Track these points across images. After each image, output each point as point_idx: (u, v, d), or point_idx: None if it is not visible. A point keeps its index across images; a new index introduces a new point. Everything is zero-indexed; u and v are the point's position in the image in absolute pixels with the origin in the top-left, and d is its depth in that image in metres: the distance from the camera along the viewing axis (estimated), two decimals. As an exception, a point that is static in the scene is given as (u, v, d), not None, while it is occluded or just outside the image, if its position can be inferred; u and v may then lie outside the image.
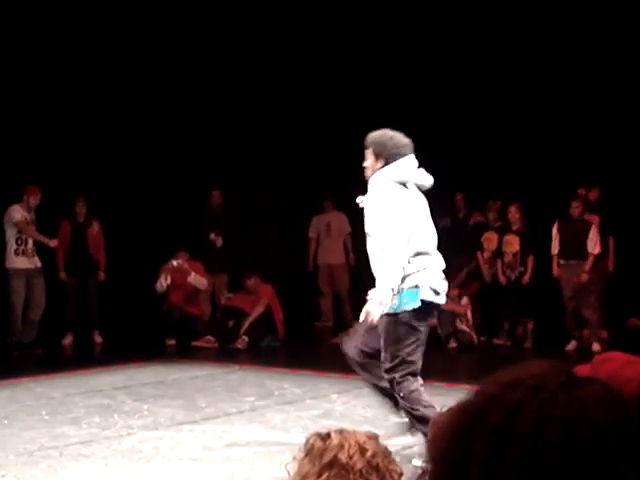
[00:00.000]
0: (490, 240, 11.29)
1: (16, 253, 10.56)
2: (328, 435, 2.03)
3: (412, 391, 5.32)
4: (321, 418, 6.81)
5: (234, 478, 5.33)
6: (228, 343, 10.93)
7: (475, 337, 10.83)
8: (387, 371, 5.39)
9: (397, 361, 5.33)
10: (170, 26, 12.07)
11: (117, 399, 7.62)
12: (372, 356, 5.55)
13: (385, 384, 5.50)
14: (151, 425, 6.65)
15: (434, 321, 11.22)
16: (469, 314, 10.90)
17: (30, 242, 10.63)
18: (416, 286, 5.33)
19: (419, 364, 5.39)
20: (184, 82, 12.40)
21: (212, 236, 12.08)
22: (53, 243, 10.88)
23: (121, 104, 12.06)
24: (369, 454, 2.01)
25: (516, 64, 11.84)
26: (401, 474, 2.06)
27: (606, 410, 1.02)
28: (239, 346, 10.89)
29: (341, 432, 2.05)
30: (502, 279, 11.00)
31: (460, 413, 1.05)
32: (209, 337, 11.14)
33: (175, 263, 11.32)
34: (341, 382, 8.01)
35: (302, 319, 12.26)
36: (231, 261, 11.94)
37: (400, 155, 5.46)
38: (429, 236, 5.53)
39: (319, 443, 2.03)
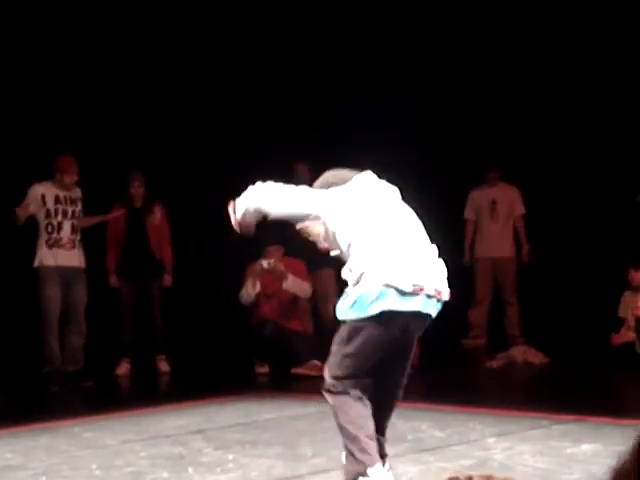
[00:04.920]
0: None
1: (48, 245, 10.76)
2: (470, 478, 2.10)
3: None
4: (474, 471, 6.76)
5: None
6: (341, 370, 10.97)
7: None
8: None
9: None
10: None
11: (192, 447, 7.72)
12: None
13: None
14: (239, 482, 6.72)
15: (631, 335, 11.09)
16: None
17: (66, 228, 10.78)
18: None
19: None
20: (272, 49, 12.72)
21: None
22: (114, 214, 11.07)
23: (189, 62, 12.39)
24: None
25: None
26: None
27: None
28: (356, 374, 10.92)
29: (488, 477, 2.12)
30: None
31: None
32: (315, 362, 11.20)
33: (266, 264, 11.42)
34: (501, 421, 7.96)
35: (444, 335, 12.21)
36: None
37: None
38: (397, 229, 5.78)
39: None
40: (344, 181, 5.91)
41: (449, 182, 12.78)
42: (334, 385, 5.74)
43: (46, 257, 10.72)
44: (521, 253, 12.65)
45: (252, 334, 11.48)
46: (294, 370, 11.19)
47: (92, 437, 8.16)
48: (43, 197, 10.75)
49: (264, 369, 11.37)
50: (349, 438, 5.70)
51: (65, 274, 10.76)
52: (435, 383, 10.75)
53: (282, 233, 11.72)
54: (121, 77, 12.19)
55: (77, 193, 10.91)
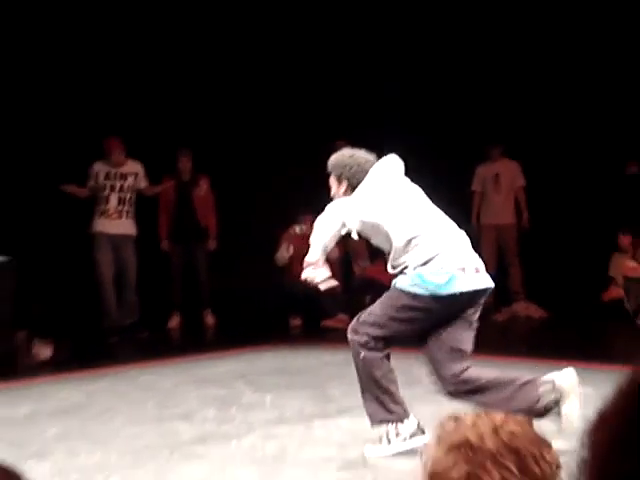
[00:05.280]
0: None
1: (98, 215, 10.90)
2: (463, 415, 2.03)
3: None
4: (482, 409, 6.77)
5: (376, 481, 5.36)
6: (365, 323, 10.99)
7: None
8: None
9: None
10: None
11: (235, 390, 7.77)
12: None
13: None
14: (276, 420, 6.75)
15: (619, 292, 11.07)
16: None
17: (113, 200, 10.88)
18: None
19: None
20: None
21: None
22: (164, 186, 11.14)
23: (234, 47, 12.31)
24: (505, 434, 1.99)
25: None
26: (558, 467, 2.03)
27: None
28: (379, 326, 10.95)
29: (481, 414, 2.05)
30: None
31: (629, 398, 1.06)
32: (342, 315, 11.22)
33: (298, 229, 11.43)
34: (504, 367, 7.95)
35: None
36: None
37: (364, 172, 5.88)
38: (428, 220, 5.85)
39: (451, 424, 2.03)
40: (365, 172, 5.89)
41: (457, 159, 12.72)
42: (370, 342, 5.76)
43: (97, 225, 10.89)
44: (522, 220, 12.60)
45: (286, 291, 11.49)
46: (323, 323, 11.22)
47: (147, 380, 8.23)
48: (97, 174, 10.90)
49: (297, 322, 11.40)
50: (381, 390, 5.73)
51: (114, 240, 10.87)
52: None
53: (312, 202, 11.77)
54: (172, 67, 12.13)
55: (129, 168, 10.98)
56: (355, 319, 6.02)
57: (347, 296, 11.77)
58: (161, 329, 11.23)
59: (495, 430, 1.96)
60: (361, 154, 6.04)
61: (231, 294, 11.47)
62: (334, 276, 11.66)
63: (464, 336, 5.90)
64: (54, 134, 11.20)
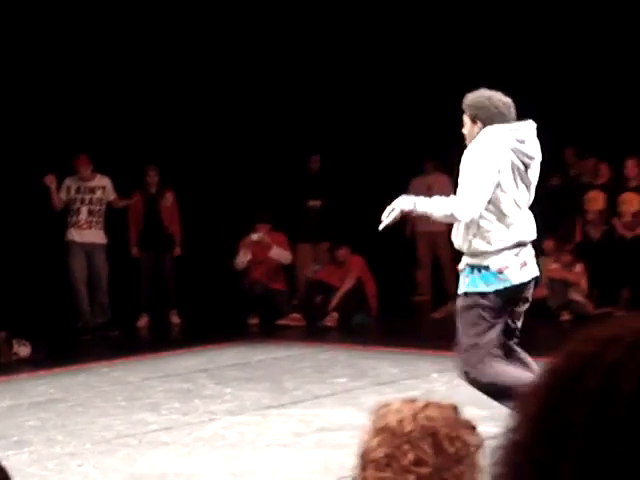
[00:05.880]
0: (595, 200, 11.11)
1: (70, 225, 10.81)
2: (394, 402, 2.05)
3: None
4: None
5: (327, 465, 5.30)
6: (316, 321, 10.97)
7: (591, 308, 10.66)
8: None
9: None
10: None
11: (198, 383, 7.70)
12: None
13: None
14: (235, 410, 6.70)
15: (543, 291, 11.10)
16: (584, 283, 10.72)
17: (84, 212, 10.79)
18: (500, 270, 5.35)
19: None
20: (273, 40, 12.51)
21: (312, 203, 12.09)
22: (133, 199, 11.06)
23: (198, 60, 12.21)
24: (424, 418, 2.01)
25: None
26: (479, 446, 2.01)
27: None
28: (328, 323, 10.91)
29: (408, 400, 2.07)
30: (627, 233, 10.80)
31: (552, 376, 1.02)
32: (295, 314, 11.18)
33: (255, 237, 11.37)
34: (442, 360, 7.92)
35: (397, 293, 12.20)
36: (331, 229, 11.84)
37: (500, 115, 5.33)
38: (523, 213, 5.51)
39: (380, 410, 2.06)
40: (502, 115, 5.40)
41: (393, 173, 12.66)
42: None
43: (70, 235, 10.81)
44: (451, 227, 12.58)
45: (245, 293, 11.44)
46: (278, 321, 11.16)
47: (118, 375, 8.14)
48: (68, 188, 10.81)
49: (254, 321, 11.32)
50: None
51: (86, 248, 10.80)
52: (390, 331, 10.75)
53: (269, 212, 11.71)
54: (141, 91, 11.95)
55: (97, 182, 10.90)
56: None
57: (299, 297, 11.74)
58: (131, 328, 11.12)
59: (414, 415, 1.98)
60: (499, 96, 5.39)
61: (194, 296, 11.39)
62: (282, 280, 11.73)
63: None
64: (28, 151, 11.01)
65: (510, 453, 1.01)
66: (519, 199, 5.49)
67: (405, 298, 12.63)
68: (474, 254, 5.47)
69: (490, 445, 1.10)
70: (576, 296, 10.69)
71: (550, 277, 10.94)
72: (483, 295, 5.37)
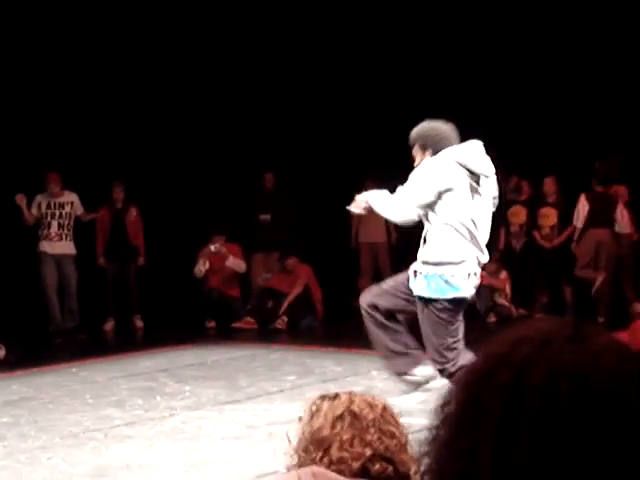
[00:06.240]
0: (518, 214, 11.29)
1: (42, 238, 10.80)
2: (336, 395, 2.19)
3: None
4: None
5: (276, 455, 5.38)
6: (268, 324, 11.06)
7: (514, 310, 10.87)
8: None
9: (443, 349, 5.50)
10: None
11: (159, 381, 7.73)
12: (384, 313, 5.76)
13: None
14: (193, 406, 6.74)
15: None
16: (507, 288, 10.91)
17: (54, 226, 10.80)
18: (447, 281, 5.45)
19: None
20: (227, 62, 12.49)
21: (262, 217, 12.18)
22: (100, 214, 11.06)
23: (158, 86, 12.18)
24: (379, 408, 2.17)
25: (548, 41, 11.82)
26: (407, 436, 2.19)
27: (616, 359, 1.01)
28: (279, 326, 11.01)
29: (349, 393, 2.22)
30: (546, 244, 11.00)
31: (469, 374, 1.06)
32: (248, 318, 11.26)
33: (213, 248, 11.41)
34: (380, 360, 8.07)
35: (341, 299, 12.31)
36: (282, 240, 11.90)
37: (446, 140, 5.37)
38: (479, 225, 5.51)
39: (328, 402, 2.20)
40: (448, 139, 5.47)
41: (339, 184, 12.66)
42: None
43: (42, 246, 10.80)
44: (391, 238, 12.66)
45: (203, 299, 11.49)
46: (233, 324, 11.22)
47: (86, 375, 8.12)
48: (39, 204, 10.81)
49: (212, 324, 11.37)
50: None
51: (57, 258, 10.80)
52: (334, 333, 10.80)
53: (225, 225, 11.77)
54: (109, 110, 11.90)
55: (66, 198, 10.90)
56: None
57: (252, 302, 11.80)
58: (98, 332, 11.09)
59: (371, 406, 2.18)
60: (439, 124, 5.41)
61: (157, 302, 11.40)
62: (237, 287, 11.76)
63: None
64: (1, 169, 10.94)
65: (435, 447, 1.05)
66: (473, 214, 5.53)
67: (348, 303, 12.75)
68: (427, 262, 5.56)
69: (419, 436, 1.12)
70: (501, 300, 10.88)
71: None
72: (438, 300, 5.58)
